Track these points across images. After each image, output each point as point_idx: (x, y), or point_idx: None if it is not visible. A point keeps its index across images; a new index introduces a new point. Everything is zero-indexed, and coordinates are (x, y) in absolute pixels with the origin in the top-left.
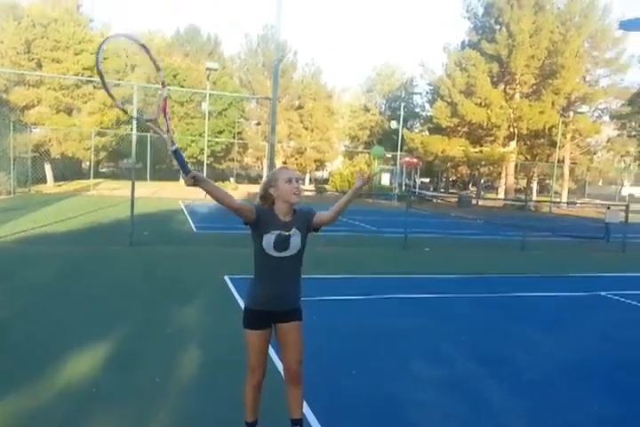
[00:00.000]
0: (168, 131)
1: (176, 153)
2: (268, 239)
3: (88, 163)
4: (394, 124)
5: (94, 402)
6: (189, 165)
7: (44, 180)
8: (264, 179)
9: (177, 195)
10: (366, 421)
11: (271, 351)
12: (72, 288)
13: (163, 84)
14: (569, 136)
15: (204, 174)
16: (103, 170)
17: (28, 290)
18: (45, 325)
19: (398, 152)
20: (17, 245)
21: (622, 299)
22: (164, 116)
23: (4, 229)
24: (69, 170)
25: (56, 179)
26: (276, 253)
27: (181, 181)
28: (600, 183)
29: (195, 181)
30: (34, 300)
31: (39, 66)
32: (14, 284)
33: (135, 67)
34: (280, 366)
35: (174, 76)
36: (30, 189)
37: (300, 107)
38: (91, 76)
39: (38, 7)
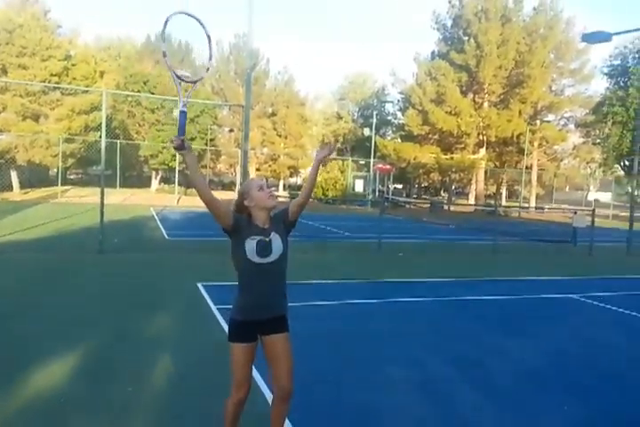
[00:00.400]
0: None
1: (182, 114)
2: (250, 245)
3: (56, 170)
4: (366, 132)
5: (64, 413)
6: (162, 172)
7: (9, 187)
8: (237, 191)
9: (148, 202)
10: (341, 425)
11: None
12: (40, 297)
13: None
14: (536, 144)
15: (176, 181)
16: (71, 177)
17: None
18: (12, 334)
19: (372, 159)
20: None
21: (589, 301)
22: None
23: None
24: (36, 177)
25: (22, 186)
26: (259, 260)
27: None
28: (567, 189)
29: (182, 147)
30: (1, 310)
31: (4, 72)
32: None
33: (104, 73)
34: (260, 382)
35: (144, 83)
36: None
37: (273, 114)
38: (58, 83)
39: (2, 12)
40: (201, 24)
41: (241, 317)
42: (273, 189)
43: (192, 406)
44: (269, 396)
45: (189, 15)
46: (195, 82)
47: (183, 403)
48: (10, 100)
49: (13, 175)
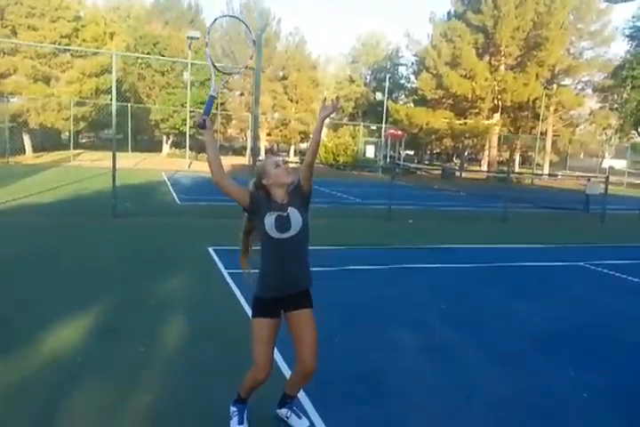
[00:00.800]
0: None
1: (211, 98)
2: (269, 221)
3: (68, 133)
4: (379, 96)
5: (79, 372)
6: (173, 137)
7: (22, 150)
8: (256, 169)
9: (159, 166)
10: (349, 389)
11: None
12: (55, 260)
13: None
14: (552, 109)
15: (187, 146)
16: (83, 140)
17: (9, 262)
18: (28, 297)
19: (383, 124)
20: None
21: (600, 269)
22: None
23: None
24: (49, 141)
25: (35, 150)
26: (278, 235)
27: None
28: (582, 156)
29: (204, 126)
30: (16, 272)
31: (14, 33)
32: None
33: (114, 35)
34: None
35: (154, 45)
36: (8, 160)
37: (284, 78)
38: (68, 44)
39: None
40: (248, 29)
41: (266, 294)
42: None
43: (202, 364)
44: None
45: (239, 19)
46: (231, 74)
47: (194, 362)
48: (20, 62)
49: (26, 139)
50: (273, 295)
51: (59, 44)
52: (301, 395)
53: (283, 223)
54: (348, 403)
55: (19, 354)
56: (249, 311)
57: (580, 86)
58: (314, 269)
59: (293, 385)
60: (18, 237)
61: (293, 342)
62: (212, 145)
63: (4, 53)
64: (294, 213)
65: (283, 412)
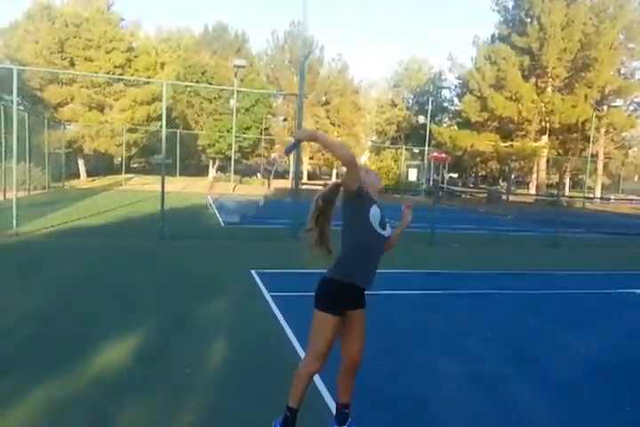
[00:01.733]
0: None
1: (297, 141)
2: (375, 212)
3: (120, 158)
4: (421, 119)
5: (125, 391)
6: (219, 161)
7: (77, 175)
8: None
9: (205, 189)
10: (392, 419)
11: (292, 338)
12: (104, 281)
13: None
14: (603, 130)
15: (232, 170)
16: (135, 165)
17: (63, 282)
18: (79, 316)
19: (426, 147)
20: (50, 239)
21: None
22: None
23: (40, 223)
24: (102, 165)
25: (89, 174)
26: (378, 229)
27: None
28: (636, 179)
29: (290, 150)
30: (69, 292)
31: (72, 64)
32: (47, 276)
33: (165, 64)
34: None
35: (202, 73)
36: (64, 183)
37: (326, 102)
38: (122, 74)
39: (71, 7)
40: None
41: (347, 279)
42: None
43: (245, 386)
44: (315, 377)
45: None
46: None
47: (237, 384)
48: (77, 91)
49: (80, 164)
50: (350, 281)
51: (113, 73)
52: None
53: (383, 221)
54: None
55: (67, 369)
56: (290, 333)
57: (632, 107)
58: None
59: (345, 388)
60: (71, 257)
61: (343, 336)
62: (322, 141)
63: (63, 83)
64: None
65: None
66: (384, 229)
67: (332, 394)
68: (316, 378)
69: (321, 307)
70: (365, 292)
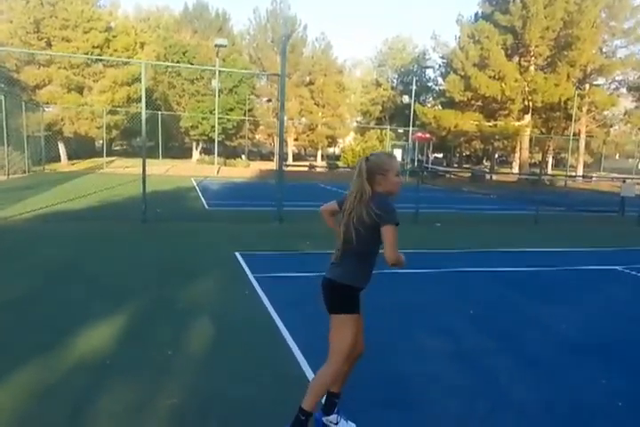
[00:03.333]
0: None
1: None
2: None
3: (101, 141)
4: (406, 99)
5: (108, 373)
6: (202, 143)
7: (57, 158)
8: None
9: (189, 172)
10: (376, 395)
11: (277, 319)
12: (87, 264)
13: None
14: (585, 109)
15: (215, 152)
16: (116, 148)
17: (43, 267)
18: (60, 300)
19: (410, 127)
20: (32, 223)
21: (635, 273)
22: None
23: (20, 208)
24: (83, 148)
25: (70, 157)
26: None
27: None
28: (617, 157)
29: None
30: (52, 276)
31: (49, 45)
32: (29, 261)
33: (144, 44)
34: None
35: (184, 54)
36: (44, 167)
37: (310, 83)
38: (100, 55)
39: None
40: None
41: (362, 285)
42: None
43: (228, 368)
44: (300, 358)
45: None
46: None
47: (220, 366)
48: (55, 72)
49: (61, 147)
50: (361, 286)
51: (91, 54)
52: None
53: None
54: (374, 408)
55: (51, 352)
56: (275, 315)
57: (613, 86)
58: None
59: (340, 378)
60: (53, 241)
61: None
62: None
63: (40, 65)
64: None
65: (332, 418)
66: None
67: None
68: (311, 376)
69: (345, 310)
70: None
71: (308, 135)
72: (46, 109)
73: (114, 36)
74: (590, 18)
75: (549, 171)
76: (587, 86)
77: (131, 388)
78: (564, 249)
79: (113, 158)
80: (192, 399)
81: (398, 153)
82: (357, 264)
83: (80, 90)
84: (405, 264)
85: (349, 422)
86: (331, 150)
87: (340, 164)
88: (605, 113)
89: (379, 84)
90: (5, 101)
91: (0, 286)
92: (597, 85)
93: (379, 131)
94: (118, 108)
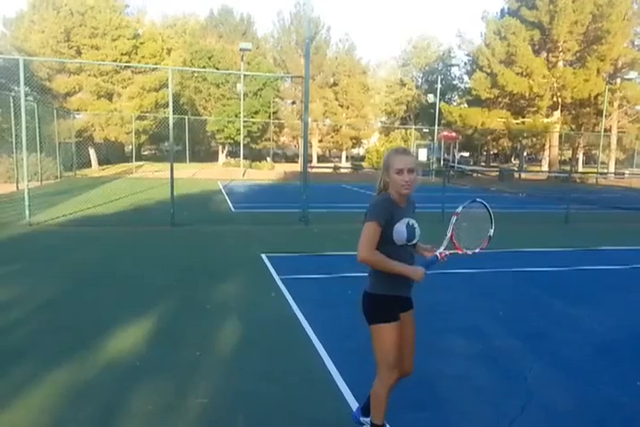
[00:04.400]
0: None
1: (435, 257)
2: (400, 231)
3: (130, 146)
4: (431, 98)
5: (138, 374)
6: (228, 147)
7: (88, 164)
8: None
9: (215, 175)
10: (404, 396)
11: (302, 320)
12: (117, 267)
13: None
14: (616, 104)
15: (241, 155)
16: (145, 153)
17: (76, 270)
18: (92, 302)
19: (436, 126)
20: (64, 227)
21: None
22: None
23: (53, 212)
24: (113, 154)
25: (100, 163)
26: (407, 245)
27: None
28: None
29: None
30: (83, 278)
31: (79, 53)
32: (62, 264)
33: (171, 50)
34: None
35: (209, 58)
36: (76, 173)
37: (334, 84)
38: (129, 62)
39: None
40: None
41: (392, 292)
42: (414, 173)
43: (256, 368)
44: (326, 359)
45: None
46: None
47: (247, 366)
48: (85, 80)
49: (92, 152)
50: (397, 294)
51: (119, 61)
52: (355, 402)
53: (411, 234)
54: (407, 410)
55: (82, 354)
56: (300, 316)
57: None
58: (363, 273)
59: None
60: (84, 245)
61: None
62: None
63: (71, 73)
64: (417, 224)
65: (368, 420)
66: (413, 238)
67: (353, 391)
68: (336, 376)
69: (380, 320)
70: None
71: (332, 136)
72: (77, 116)
73: (141, 43)
74: (621, 10)
75: (580, 168)
76: (618, 81)
77: (160, 388)
78: (596, 248)
79: (142, 163)
80: (221, 399)
81: (423, 153)
82: (377, 271)
83: (109, 96)
84: (419, 281)
85: (387, 424)
86: (355, 151)
87: (364, 164)
88: (638, 107)
89: (403, 84)
90: (38, 109)
91: (33, 288)
92: (629, 79)
93: (403, 131)
94: (147, 114)
